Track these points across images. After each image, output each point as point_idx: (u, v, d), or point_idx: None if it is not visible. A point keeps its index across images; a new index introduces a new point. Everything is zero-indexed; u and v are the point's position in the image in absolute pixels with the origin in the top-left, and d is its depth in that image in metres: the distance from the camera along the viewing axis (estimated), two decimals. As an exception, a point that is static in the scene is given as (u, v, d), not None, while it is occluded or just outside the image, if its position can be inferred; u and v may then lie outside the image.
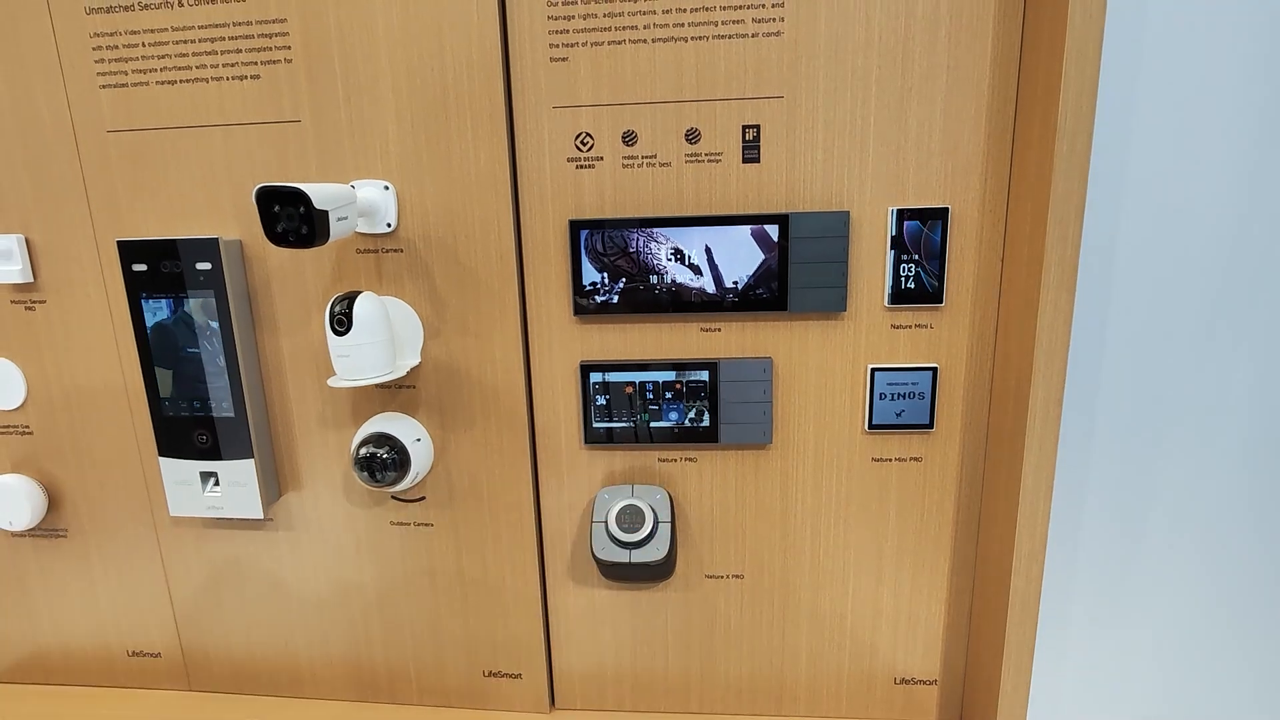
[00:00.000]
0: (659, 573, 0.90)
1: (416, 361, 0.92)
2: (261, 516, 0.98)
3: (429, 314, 0.91)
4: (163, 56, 0.88)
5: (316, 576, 1.03)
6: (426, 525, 0.99)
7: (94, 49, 0.89)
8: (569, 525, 0.97)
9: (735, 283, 0.86)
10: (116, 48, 0.89)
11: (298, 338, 0.94)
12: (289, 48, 0.86)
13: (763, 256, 0.85)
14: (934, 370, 0.87)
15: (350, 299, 0.82)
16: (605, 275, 0.87)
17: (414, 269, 0.90)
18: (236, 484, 0.96)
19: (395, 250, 0.90)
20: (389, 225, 0.88)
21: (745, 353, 0.89)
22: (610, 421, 0.91)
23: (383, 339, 0.84)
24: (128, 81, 0.89)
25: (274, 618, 1.06)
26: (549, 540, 0.98)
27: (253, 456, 0.95)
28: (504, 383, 0.92)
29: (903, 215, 0.84)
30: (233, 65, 0.87)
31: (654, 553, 0.88)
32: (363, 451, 0.90)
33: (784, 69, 0.82)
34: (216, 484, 0.97)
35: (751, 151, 0.84)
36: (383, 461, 0.90)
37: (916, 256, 0.84)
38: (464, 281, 0.90)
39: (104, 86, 0.90)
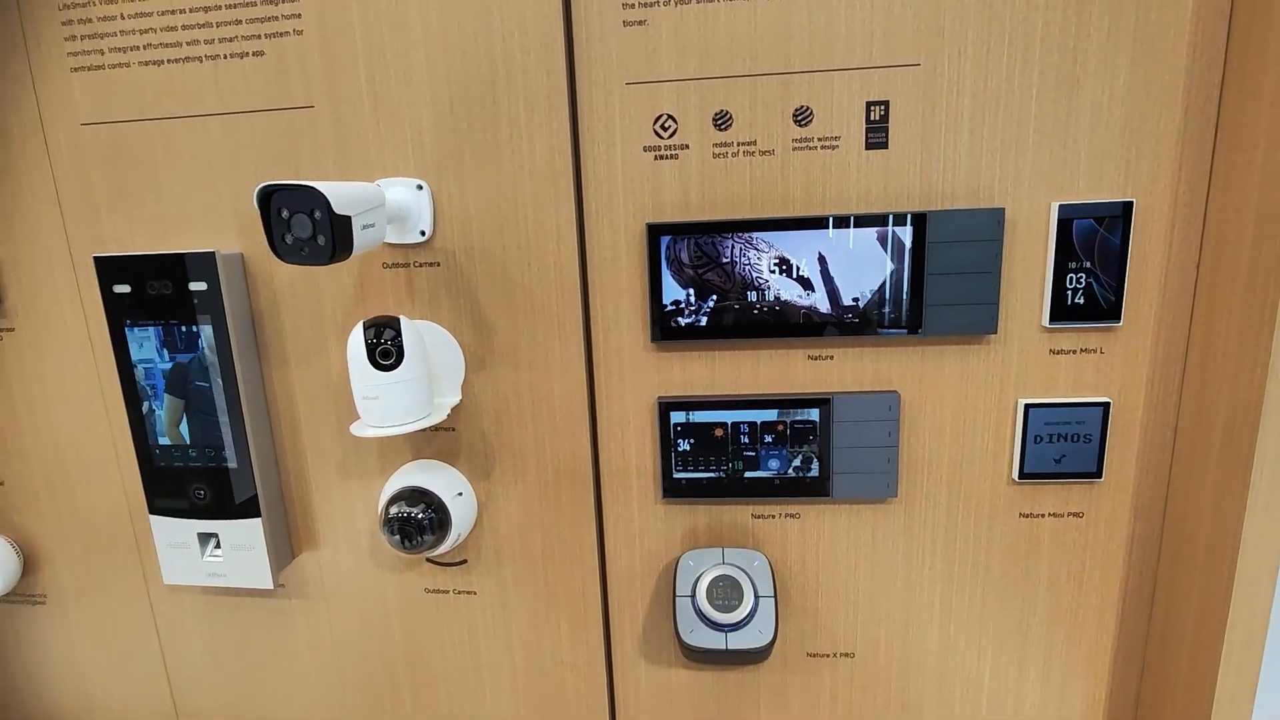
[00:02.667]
0: (758, 656, 0.73)
1: (457, 399, 0.75)
2: (271, 586, 0.81)
3: (472, 341, 0.75)
4: (145, 31, 0.72)
5: (338, 652, 0.86)
6: (468, 593, 0.82)
7: (63, 24, 0.73)
8: (640, 594, 0.80)
9: (855, 300, 0.69)
10: (90, 21, 0.73)
11: (312, 371, 0.78)
12: (299, 16, 0.69)
13: (890, 267, 0.68)
14: (1105, 406, 0.70)
15: (386, 326, 0.66)
16: (691, 292, 0.70)
17: (453, 287, 0.73)
18: (241, 547, 0.79)
19: (430, 264, 0.73)
20: (423, 233, 0.71)
21: (865, 386, 0.72)
22: (694, 471, 0.74)
23: (419, 375, 0.68)
24: (104, 63, 0.73)
25: (288, 698, 0.89)
26: (616, 611, 0.81)
27: (259, 514, 0.79)
28: (564, 424, 0.76)
29: (1070, 213, 0.66)
30: (231, 40, 0.71)
31: (756, 636, 0.71)
32: (394, 510, 0.74)
33: (922, 30, 0.64)
34: (218, 547, 0.81)
35: (877, 135, 0.67)
36: (418, 523, 0.73)
37: (1087, 264, 0.67)
38: (515, 301, 0.73)
39: (76, 70, 0.74)
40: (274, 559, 0.80)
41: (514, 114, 0.69)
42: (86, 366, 0.82)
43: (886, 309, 0.69)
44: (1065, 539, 0.74)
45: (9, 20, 0.74)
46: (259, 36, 0.70)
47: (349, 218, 0.56)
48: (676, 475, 0.75)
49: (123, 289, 0.75)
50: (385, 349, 0.66)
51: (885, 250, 0.68)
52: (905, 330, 0.69)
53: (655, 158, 0.69)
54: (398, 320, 0.67)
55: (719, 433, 0.73)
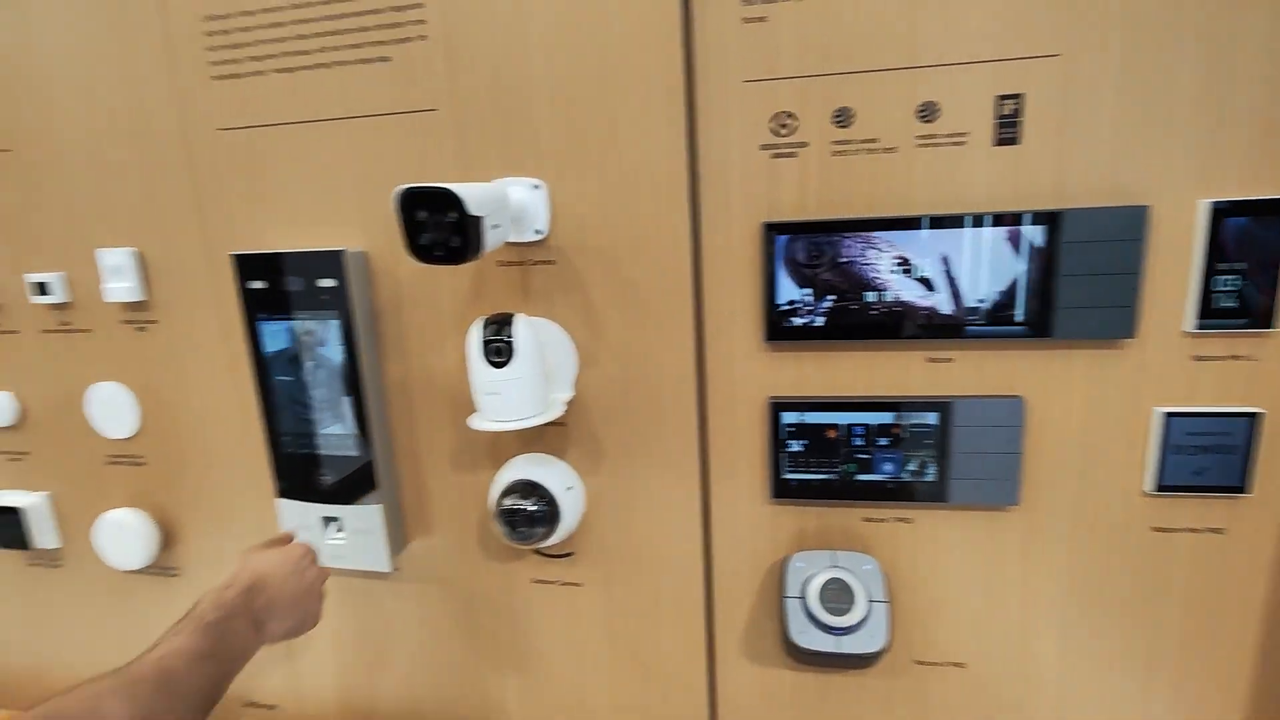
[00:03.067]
0: (869, 661, 0.72)
1: (569, 395, 0.76)
2: (388, 570, 0.85)
3: (584, 338, 0.76)
4: (279, 40, 0.76)
5: (444, 636, 0.90)
6: (574, 585, 0.84)
7: (206, 34, 0.77)
8: (746, 592, 0.80)
9: (980, 301, 0.67)
10: (229, 32, 0.77)
11: (429, 365, 0.81)
12: (424, 22, 0.71)
13: (1019, 267, 0.65)
14: (1254, 416, 0.65)
15: (504, 323, 0.68)
16: (808, 292, 0.69)
17: (567, 284, 0.75)
18: (361, 531, 0.83)
19: (545, 262, 0.75)
20: (538, 232, 0.73)
21: (987, 390, 0.70)
22: (805, 472, 0.73)
23: (538, 372, 0.69)
24: (241, 71, 0.78)
25: (398, 675, 0.93)
26: (720, 609, 0.81)
27: (380, 501, 0.82)
28: (673, 421, 0.76)
29: (1221, 211, 0.62)
30: (359, 47, 0.74)
31: (869, 641, 0.70)
32: (506, 503, 0.76)
33: (1062, 19, 0.61)
34: (340, 530, 0.85)
35: (1008, 130, 0.64)
36: (529, 515, 0.75)
37: (1240, 264, 0.63)
38: (627, 299, 0.74)
39: (216, 78, 0.78)
40: (391, 544, 0.84)
41: (630, 114, 0.69)
42: (220, 357, 0.87)
43: (1013, 311, 0.66)
44: (1203, 556, 0.70)
45: (156, 34, 0.78)
46: (385, 43, 0.73)
47: (480, 219, 0.58)
48: (786, 476, 0.74)
49: (257, 285, 0.79)
50: (499, 346, 0.67)
51: (1014, 250, 0.65)
52: (1033, 333, 0.66)
53: (772, 156, 0.68)
54: (512, 317, 0.69)
55: (832, 434, 0.72)
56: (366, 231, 0.79)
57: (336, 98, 0.76)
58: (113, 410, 0.92)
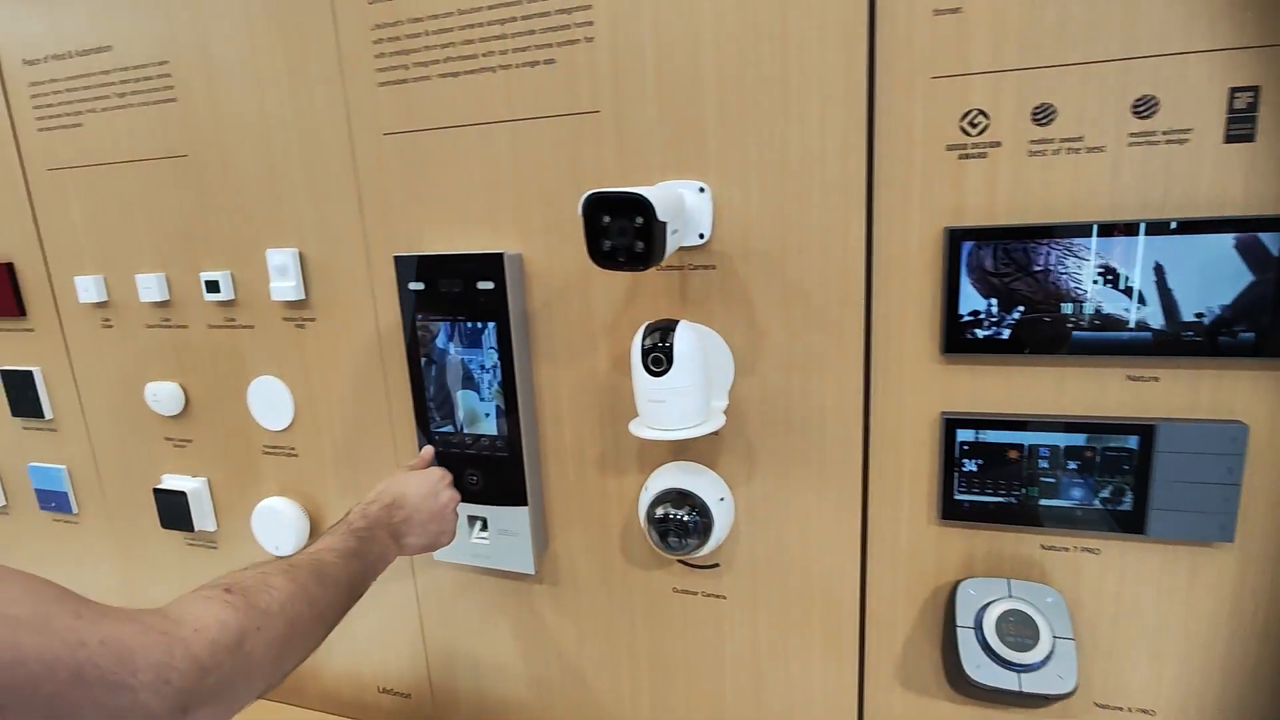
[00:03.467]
0: (1052, 702, 0.66)
1: (725, 403, 0.74)
2: (532, 571, 0.85)
3: (743, 345, 0.74)
4: (446, 45, 0.77)
5: (581, 640, 0.90)
6: (718, 598, 0.82)
7: (374, 42, 0.79)
8: (903, 616, 0.76)
9: (1198, 316, 0.60)
10: (398, 39, 0.78)
11: (579, 369, 0.80)
12: (592, 24, 0.71)
13: (1250, 279, 0.59)
14: None
15: (667, 330, 0.66)
16: (993, 302, 0.65)
17: (727, 290, 0.73)
18: (507, 532, 0.84)
19: (705, 267, 0.73)
20: (701, 236, 0.71)
21: (1199, 413, 0.63)
22: (980, 494, 0.69)
23: (700, 381, 0.67)
24: (408, 77, 0.79)
25: (532, 675, 0.94)
26: (873, 633, 0.77)
27: (526, 503, 0.83)
28: (834, 433, 0.73)
29: None
30: (524, 50, 0.74)
31: (1055, 682, 0.65)
32: (659, 512, 0.74)
33: (1315, -1, 0.55)
34: (484, 529, 0.86)
35: (1242, 126, 0.58)
36: (682, 525, 0.73)
37: None
38: (791, 306, 0.71)
39: (383, 84, 0.80)
40: (535, 545, 0.84)
41: (806, 113, 0.66)
42: (373, 356, 0.89)
43: (1239, 327, 0.60)
44: None
45: (328, 45, 0.81)
46: (551, 45, 0.73)
47: (664, 224, 0.57)
48: (958, 497, 0.70)
49: (417, 286, 0.80)
50: (658, 355, 0.66)
51: (1244, 259, 0.58)
52: (1260, 353, 0.60)
53: (960, 156, 0.64)
54: (673, 325, 0.67)
55: (1013, 454, 0.67)
56: (523, 234, 0.79)
57: (499, 101, 0.76)
58: (270, 403, 0.97)
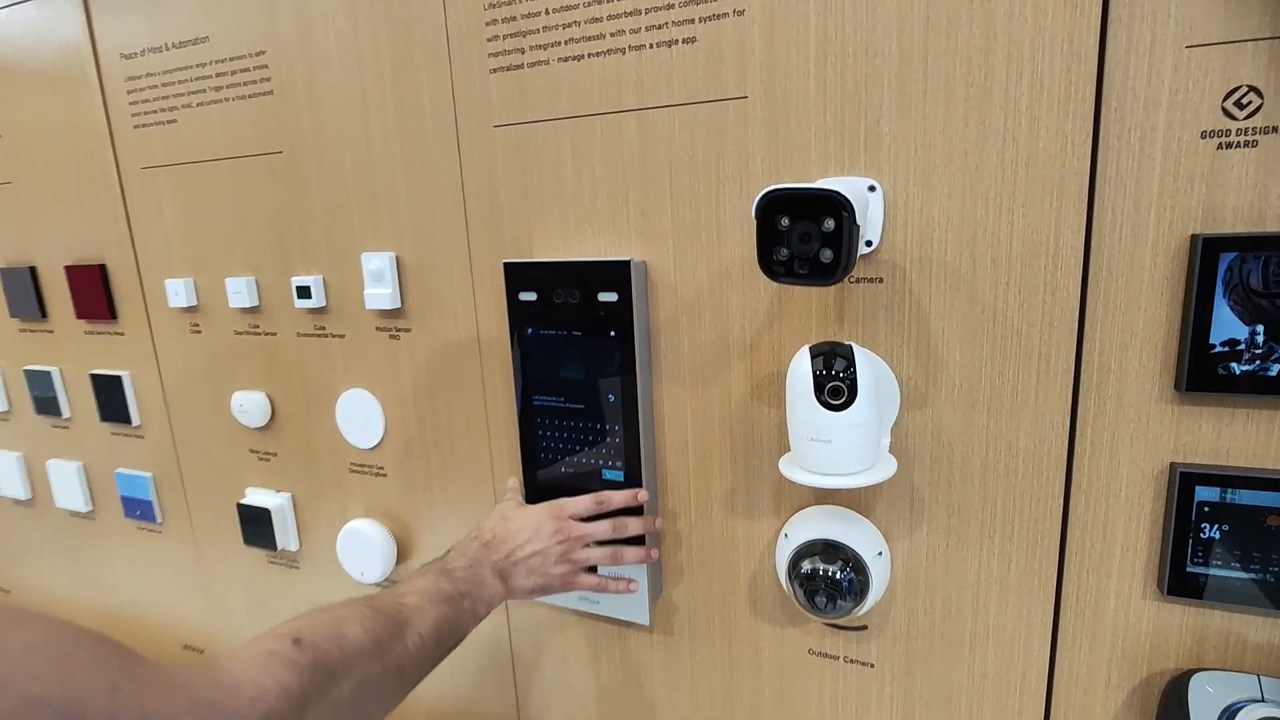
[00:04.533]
0: (1320, 840, 0.52)
1: (887, 441, 0.63)
2: (647, 622, 0.75)
3: (913, 374, 0.62)
4: (569, 25, 0.68)
5: (697, 700, 0.79)
6: (864, 665, 0.70)
7: (487, 24, 0.71)
8: (1102, 707, 0.62)
9: None
10: (514, 19, 0.70)
11: (710, 393, 0.70)
12: (744, -7, 0.60)
13: None
14: None
15: (845, 358, 0.55)
16: (1259, 329, 0.51)
17: (896, 307, 0.61)
18: (620, 576, 0.74)
19: (870, 280, 0.61)
20: (869, 243, 0.59)
21: None
22: (1223, 567, 0.55)
23: (875, 419, 0.56)
24: (523, 62, 0.70)
25: (635, 732, 0.84)
26: (1062, 721, 0.64)
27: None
28: (1028, 482, 0.60)
29: None
30: (660, 28, 0.64)
31: (1338, 818, 0.50)
32: (805, 566, 0.63)
33: None
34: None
35: None
36: (834, 584, 0.62)
37: None
38: (981, 328, 0.59)
39: (495, 70, 0.72)
40: (651, 592, 0.74)
41: (1014, 95, 0.54)
42: (473, 372, 0.81)
43: None
44: None
45: (436, 25, 0.73)
46: (693, 21, 0.63)
47: (858, 228, 0.46)
48: (1192, 569, 0.56)
49: (529, 297, 0.72)
50: (836, 385, 0.55)
51: None
52: None
53: (1220, 146, 0.51)
54: (850, 350, 0.56)
55: (1274, 522, 0.53)
56: (648, 238, 0.69)
57: (628, 87, 0.66)
58: (359, 418, 0.90)
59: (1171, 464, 0.56)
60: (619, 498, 0.71)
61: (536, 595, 0.70)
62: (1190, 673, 0.57)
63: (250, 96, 0.85)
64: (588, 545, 0.71)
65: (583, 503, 0.71)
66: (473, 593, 0.64)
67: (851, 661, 0.71)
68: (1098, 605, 0.61)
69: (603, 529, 0.71)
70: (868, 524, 0.66)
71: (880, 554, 0.64)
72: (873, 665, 0.70)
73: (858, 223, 0.45)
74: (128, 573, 1.20)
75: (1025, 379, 0.58)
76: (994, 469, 0.61)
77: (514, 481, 0.78)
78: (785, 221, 0.46)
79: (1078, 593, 0.61)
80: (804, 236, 0.46)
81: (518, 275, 0.72)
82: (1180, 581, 0.57)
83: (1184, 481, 0.55)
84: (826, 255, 0.46)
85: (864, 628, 0.69)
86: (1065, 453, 0.59)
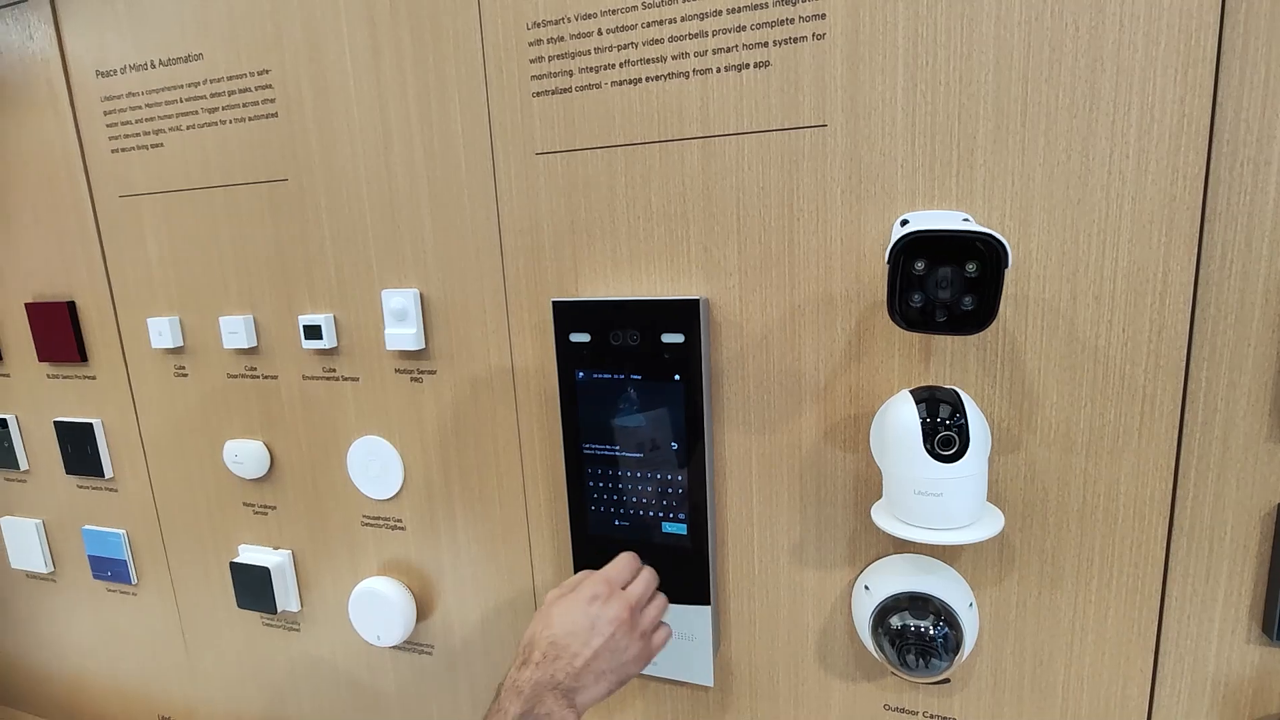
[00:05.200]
0: None
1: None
2: (711, 684, 0.70)
3: (1005, 416, 0.59)
4: (625, 47, 0.63)
5: (759, 759, 0.74)
6: (946, 720, 0.67)
7: (531, 44, 0.66)
8: (1204, 756, 0.60)
9: None
10: (562, 39, 0.65)
11: (777, 439, 0.66)
12: (824, 16, 0.57)
13: None
14: None
15: (955, 405, 0.51)
16: (1379, 368, 0.50)
17: (989, 347, 0.58)
18: (682, 636, 0.69)
19: (961, 318, 0.58)
20: (960, 280, 0.56)
21: None
22: (1336, 610, 0.53)
23: (985, 469, 0.52)
24: (571, 85, 0.65)
25: (687, 797, 0.78)
26: (1160, 773, 0.61)
27: (709, 602, 0.68)
28: (1128, 527, 0.58)
29: None
30: (729, 50, 0.60)
31: None
32: (896, 622, 0.59)
33: None
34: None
35: None
36: (927, 640, 0.58)
37: None
38: (1079, 368, 0.56)
39: (539, 94, 0.66)
40: (715, 651, 0.69)
41: (1122, 127, 0.52)
42: (506, 416, 0.75)
43: None
44: None
45: (471, 44, 0.68)
46: (766, 45, 0.59)
47: (1004, 272, 0.42)
48: (1303, 613, 0.54)
49: (580, 338, 0.66)
50: (948, 436, 0.51)
51: None
52: None
53: (1340, 176, 0.49)
54: (957, 395, 0.53)
55: (1392, 564, 0.52)
56: (709, 275, 0.65)
57: (692, 114, 0.62)
58: (375, 467, 0.82)
59: (1279, 505, 0.54)
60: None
61: (613, 691, 0.60)
62: (1303, 721, 0.55)
63: (251, 119, 0.78)
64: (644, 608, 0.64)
65: (626, 565, 0.64)
66: None
67: (932, 717, 0.67)
68: (1198, 651, 0.59)
69: (649, 581, 0.65)
70: (954, 573, 0.62)
71: (971, 605, 0.61)
72: (955, 720, 0.66)
73: (1007, 266, 0.42)
74: (97, 638, 1.08)
75: (1128, 420, 0.56)
76: (1092, 513, 0.58)
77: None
78: (921, 265, 0.43)
79: (1178, 638, 0.59)
80: (943, 282, 0.42)
81: (569, 315, 0.66)
82: (1290, 627, 0.55)
83: (1296, 524, 0.53)
84: (967, 303, 0.42)
85: (947, 680, 0.66)
86: (1169, 496, 0.56)
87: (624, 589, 0.63)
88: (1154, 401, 0.55)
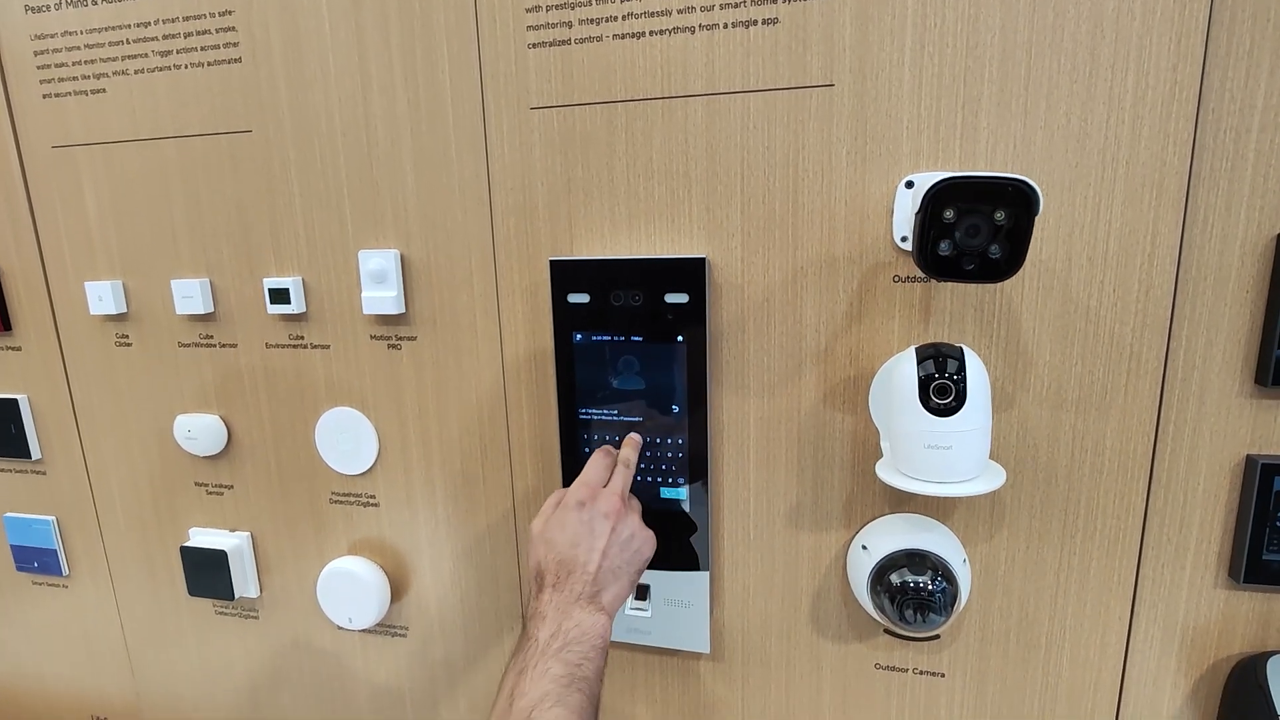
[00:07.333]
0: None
1: (978, 445, 0.61)
2: (707, 650, 0.70)
3: (1000, 375, 0.61)
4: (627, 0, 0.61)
5: (749, 724, 0.74)
6: (934, 675, 0.68)
7: (527, -9, 0.63)
8: (1170, 693, 0.64)
9: None
10: (559, -12, 0.62)
11: (777, 402, 0.66)
12: (833, -26, 0.57)
13: None
14: None
15: (957, 357, 0.52)
16: (1342, 325, 0.54)
17: (986, 307, 0.59)
18: (677, 603, 0.68)
19: (960, 279, 0.59)
20: (962, 241, 0.58)
21: None
22: (1296, 553, 0.58)
23: (986, 424, 0.54)
24: (570, 37, 0.63)
25: (675, 767, 0.78)
26: (1134, 713, 0.65)
27: (707, 567, 0.67)
28: (1112, 481, 0.61)
29: None
30: (737, 5, 0.59)
31: None
32: (896, 579, 0.60)
33: None
34: (645, 598, 0.70)
35: None
36: (926, 595, 0.60)
37: None
38: (1072, 328, 0.58)
39: (535, 45, 0.64)
40: (712, 619, 0.69)
41: (1119, 92, 0.54)
42: (492, 382, 0.72)
43: None
44: None
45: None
46: (775, 1, 0.58)
47: (1033, 221, 0.43)
48: (1267, 556, 0.58)
49: (580, 299, 0.64)
50: (943, 384, 0.52)
51: None
52: None
53: (1315, 146, 0.53)
54: (960, 351, 0.54)
55: (1348, 507, 0.56)
56: (711, 234, 0.64)
57: (696, 69, 0.61)
58: (347, 441, 0.78)
59: (1248, 456, 0.58)
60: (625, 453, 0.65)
61: (637, 580, 0.60)
62: (1265, 655, 0.60)
63: (210, 64, 0.72)
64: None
65: (599, 464, 0.63)
66: (585, 652, 0.53)
67: (922, 673, 0.69)
68: (1170, 598, 0.62)
69: (627, 470, 0.63)
70: (948, 531, 0.64)
71: (964, 561, 0.62)
72: (944, 675, 0.68)
73: (1037, 214, 0.43)
74: (22, 637, 0.99)
75: (1116, 378, 0.58)
76: (1080, 468, 0.61)
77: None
78: (951, 214, 0.43)
79: (1153, 586, 0.62)
80: (973, 230, 0.43)
81: (567, 274, 0.64)
82: (1256, 569, 0.59)
83: (1263, 473, 0.57)
84: (995, 251, 0.43)
85: (936, 637, 0.67)
86: (1150, 449, 0.59)
87: (605, 487, 0.62)
88: (1140, 359, 0.58)
